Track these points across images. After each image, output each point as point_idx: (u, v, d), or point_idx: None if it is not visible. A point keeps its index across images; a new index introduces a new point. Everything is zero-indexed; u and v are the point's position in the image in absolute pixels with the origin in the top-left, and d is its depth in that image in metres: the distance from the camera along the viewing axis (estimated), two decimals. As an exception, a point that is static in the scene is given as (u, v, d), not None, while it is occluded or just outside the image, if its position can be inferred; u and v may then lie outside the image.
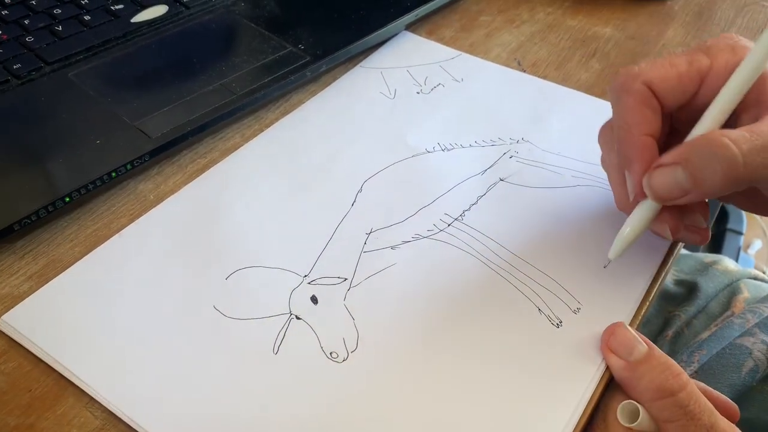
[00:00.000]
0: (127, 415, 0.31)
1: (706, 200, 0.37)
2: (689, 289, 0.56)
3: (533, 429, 0.31)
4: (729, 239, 1.11)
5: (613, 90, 0.36)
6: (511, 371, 0.34)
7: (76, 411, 0.32)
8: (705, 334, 0.51)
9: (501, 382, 0.33)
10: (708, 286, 0.55)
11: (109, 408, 0.32)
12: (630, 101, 0.35)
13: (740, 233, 1.13)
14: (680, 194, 0.32)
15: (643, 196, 0.35)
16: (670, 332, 0.53)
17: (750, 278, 0.56)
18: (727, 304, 0.53)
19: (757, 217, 1.46)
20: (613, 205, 0.40)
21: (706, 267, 0.57)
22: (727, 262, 0.58)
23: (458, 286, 0.37)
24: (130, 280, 0.37)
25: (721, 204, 0.99)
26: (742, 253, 1.20)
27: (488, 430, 0.31)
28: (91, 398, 0.32)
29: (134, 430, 0.31)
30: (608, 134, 0.38)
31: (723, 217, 1.14)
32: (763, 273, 0.58)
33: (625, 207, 0.37)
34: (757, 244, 1.46)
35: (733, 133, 0.31)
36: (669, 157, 0.33)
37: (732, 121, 0.34)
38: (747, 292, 0.54)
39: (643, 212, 0.36)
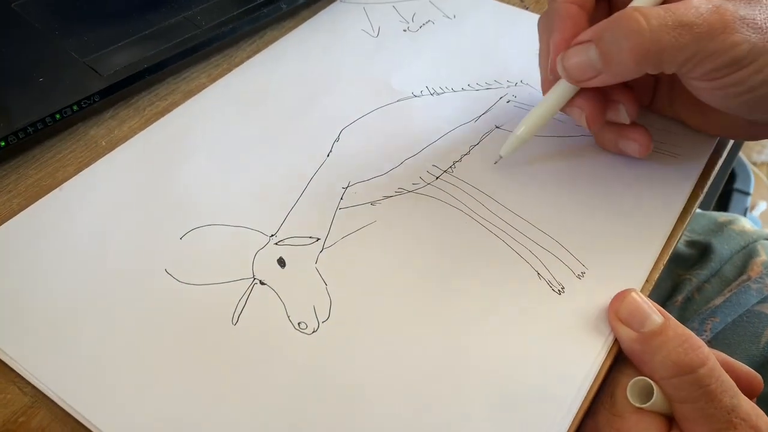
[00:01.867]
0: (57, 395, 0.27)
1: (630, 90, 0.35)
2: (702, 251, 0.51)
3: (532, 409, 0.27)
4: (736, 199, 1.07)
5: None
6: (507, 344, 0.29)
7: (2, 386, 0.28)
8: (718, 300, 0.46)
9: (494, 357, 0.29)
10: (722, 247, 0.50)
11: (37, 386, 0.27)
12: None
13: (748, 194, 1.08)
14: (592, 74, 0.31)
15: (557, 74, 0.33)
16: (679, 298, 0.49)
17: (767, 239, 0.51)
18: (743, 268, 0.49)
19: (764, 177, 1.41)
20: (620, 157, 0.36)
21: (720, 227, 0.53)
22: (743, 222, 0.53)
23: (447, 247, 0.33)
24: (71, 239, 0.32)
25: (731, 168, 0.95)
26: (749, 214, 1.15)
27: (482, 411, 0.27)
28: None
29: (67, 411, 0.27)
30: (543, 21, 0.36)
31: (731, 177, 1.10)
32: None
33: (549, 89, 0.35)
34: (762, 206, 1.42)
35: (649, 9, 0.29)
36: (585, 34, 0.31)
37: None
38: (765, 254, 0.49)
39: (556, 93, 0.34)
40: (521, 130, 0.35)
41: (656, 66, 0.30)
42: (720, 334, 0.43)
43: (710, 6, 0.29)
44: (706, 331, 0.44)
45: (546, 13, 0.35)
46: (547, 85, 0.35)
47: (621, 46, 0.29)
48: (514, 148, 0.35)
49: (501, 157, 0.36)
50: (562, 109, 0.34)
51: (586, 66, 0.31)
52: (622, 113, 0.34)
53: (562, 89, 0.34)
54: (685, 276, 0.51)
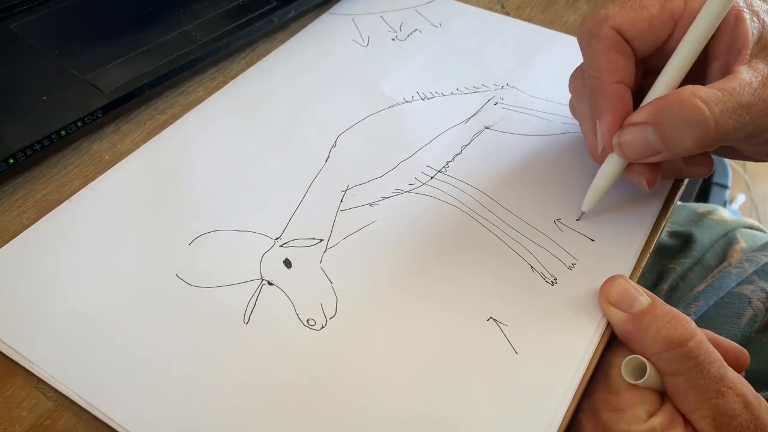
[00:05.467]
0: (80, 397, 0.28)
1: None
2: (684, 241, 0.54)
3: (532, 391, 0.29)
4: (715, 193, 1.09)
5: (581, 36, 0.34)
6: (506, 333, 0.31)
7: (26, 392, 0.29)
8: (701, 286, 0.48)
9: (495, 345, 0.30)
10: (703, 236, 0.53)
11: (60, 390, 0.29)
12: (599, 48, 0.33)
13: (726, 187, 1.11)
14: (650, 154, 0.31)
15: (611, 147, 0.33)
16: (665, 286, 0.51)
17: (746, 227, 0.54)
18: (724, 255, 0.51)
19: (741, 171, 1.45)
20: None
21: (700, 217, 0.55)
22: (722, 212, 0.55)
23: (444, 243, 0.34)
24: (83, 249, 0.34)
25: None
26: (728, 207, 1.18)
27: (483, 396, 0.29)
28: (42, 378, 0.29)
29: (91, 413, 0.28)
30: (579, 80, 0.36)
31: (708, 170, 1.12)
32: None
33: (598, 157, 0.35)
34: (741, 198, 1.45)
35: (705, 92, 0.29)
36: (639, 116, 0.31)
37: (703, 68, 0.33)
38: (743, 241, 0.51)
39: (614, 164, 0.34)
40: (585, 206, 0.35)
41: (716, 145, 0.31)
42: (704, 316, 0.45)
43: (760, 78, 0.30)
44: (690, 314, 0.46)
45: (579, 73, 0.35)
46: (594, 149, 0.35)
47: (684, 133, 0.30)
48: (595, 201, 0.35)
49: (583, 214, 0.36)
50: (628, 178, 0.35)
51: (643, 147, 0.31)
52: (679, 163, 0.35)
53: (616, 162, 0.34)
54: (669, 265, 0.53)
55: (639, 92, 0.34)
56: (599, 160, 0.35)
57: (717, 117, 0.29)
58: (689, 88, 0.30)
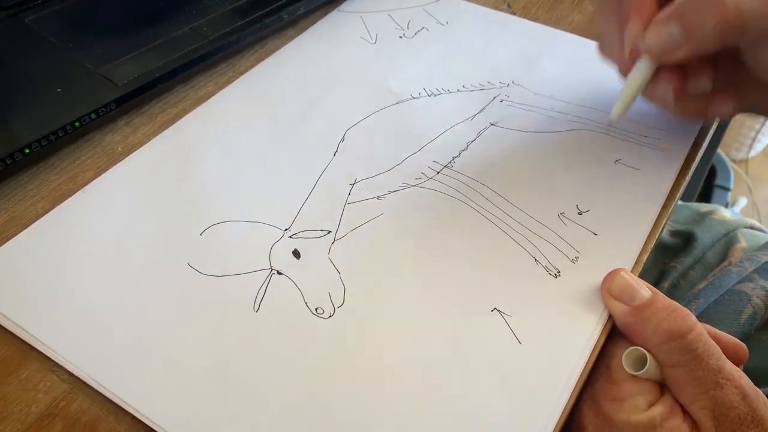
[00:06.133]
0: (95, 380, 0.29)
1: (707, 61, 0.36)
2: (685, 240, 0.54)
3: (536, 380, 0.30)
4: (717, 195, 1.10)
5: None
6: (510, 323, 0.31)
7: (41, 375, 0.30)
8: (702, 285, 0.49)
9: (499, 335, 0.31)
10: (704, 236, 0.53)
11: (74, 373, 0.29)
12: None
13: (728, 189, 1.12)
14: (673, 48, 0.33)
15: (638, 53, 0.34)
16: (666, 284, 0.52)
17: (747, 227, 0.54)
18: (724, 254, 0.52)
19: (743, 174, 1.45)
20: (608, 149, 0.38)
21: (702, 216, 0.56)
22: (723, 212, 0.56)
23: (449, 236, 0.35)
24: (97, 237, 0.34)
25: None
26: (730, 209, 1.19)
27: (487, 384, 0.29)
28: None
29: (104, 395, 0.29)
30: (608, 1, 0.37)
31: (711, 173, 1.13)
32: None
33: (626, 66, 0.36)
34: (742, 202, 1.45)
35: None
36: (663, 14, 0.33)
37: None
38: (744, 241, 0.52)
39: (641, 69, 0.35)
40: (615, 112, 0.36)
41: (738, 36, 0.31)
42: (704, 313, 0.46)
43: None
44: (690, 311, 0.47)
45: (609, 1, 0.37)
46: (623, 64, 0.37)
47: (705, 21, 0.31)
48: (625, 105, 0.36)
49: (614, 120, 0.37)
50: (648, 94, 0.36)
51: (666, 41, 0.33)
52: (705, 83, 0.36)
53: (644, 67, 0.35)
54: (670, 264, 0.53)
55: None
56: (626, 72, 0.36)
57: (737, 1, 0.30)
58: None
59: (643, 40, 0.34)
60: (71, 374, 0.30)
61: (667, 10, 0.33)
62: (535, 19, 0.50)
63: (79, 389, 0.29)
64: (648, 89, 0.36)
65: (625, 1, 0.35)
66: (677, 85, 0.35)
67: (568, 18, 0.51)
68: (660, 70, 0.35)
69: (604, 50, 0.39)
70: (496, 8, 0.51)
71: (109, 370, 0.29)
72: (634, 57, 0.35)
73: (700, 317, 0.46)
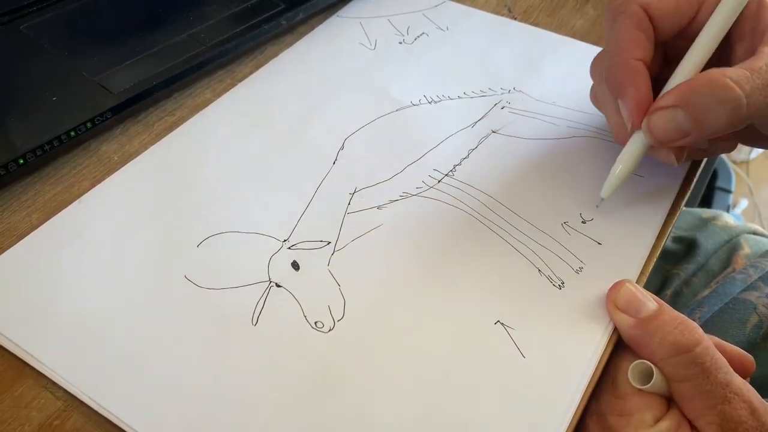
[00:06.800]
0: (90, 397, 0.28)
1: None
2: (688, 246, 0.54)
3: (540, 395, 0.29)
4: (718, 197, 1.09)
5: (609, 11, 0.35)
6: (513, 336, 0.31)
7: (35, 392, 0.29)
8: (705, 292, 0.49)
9: (502, 349, 0.30)
10: (707, 242, 0.53)
11: (69, 390, 0.29)
12: (625, 23, 0.34)
13: (729, 191, 1.11)
14: (681, 136, 0.32)
15: (639, 126, 0.33)
16: (668, 292, 0.51)
17: (750, 233, 0.54)
18: (728, 261, 0.51)
19: (744, 176, 1.45)
20: (612, 156, 0.37)
21: (705, 222, 0.55)
22: (726, 218, 0.55)
23: (451, 246, 0.35)
24: (92, 250, 0.34)
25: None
26: (731, 211, 1.18)
27: (490, 399, 0.29)
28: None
29: (99, 413, 0.28)
30: (601, 64, 0.37)
31: (712, 176, 1.12)
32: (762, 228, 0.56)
33: (624, 139, 0.35)
34: (743, 203, 1.45)
35: (733, 72, 0.30)
36: (668, 99, 0.32)
37: (727, 52, 0.34)
38: (747, 247, 0.52)
39: (635, 146, 0.34)
40: (605, 191, 0.36)
41: (747, 122, 0.31)
42: (708, 322, 0.45)
43: None
44: (695, 320, 0.46)
45: (605, 63, 0.35)
46: (619, 131, 0.35)
47: (717, 112, 0.30)
48: (615, 186, 0.35)
49: (603, 200, 0.36)
50: (656, 156, 0.35)
51: (674, 130, 0.32)
52: (705, 144, 0.36)
53: (641, 142, 0.34)
54: (672, 271, 0.53)
55: (656, 82, 0.34)
56: (624, 142, 0.35)
57: (748, 94, 0.30)
58: (717, 70, 0.31)
59: (647, 126, 0.33)
60: (66, 391, 0.29)
61: (672, 95, 0.31)
62: (536, 24, 0.50)
63: (74, 407, 0.29)
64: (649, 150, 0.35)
65: (615, 65, 0.34)
66: (679, 154, 0.34)
67: (570, 23, 0.50)
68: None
69: (599, 106, 0.38)
70: (497, 13, 0.51)
71: (105, 387, 0.29)
72: (635, 128, 0.34)
73: (705, 326, 0.45)
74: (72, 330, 0.30)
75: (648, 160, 0.39)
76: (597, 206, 0.37)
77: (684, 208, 0.61)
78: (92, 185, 0.37)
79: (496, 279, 0.33)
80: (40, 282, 0.32)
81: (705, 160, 0.40)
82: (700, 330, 0.29)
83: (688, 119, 0.31)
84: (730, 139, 0.36)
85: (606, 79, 0.35)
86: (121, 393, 0.28)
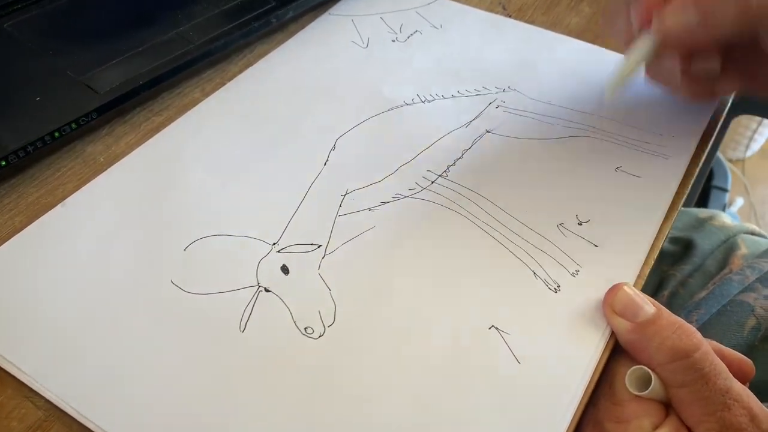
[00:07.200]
0: (72, 407, 0.27)
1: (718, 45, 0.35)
2: (684, 247, 0.53)
3: (536, 401, 0.28)
4: (715, 196, 1.09)
5: None
6: (508, 342, 0.30)
7: (15, 402, 0.28)
8: (702, 294, 0.48)
9: (497, 354, 0.30)
10: (704, 242, 0.52)
11: (50, 399, 0.28)
12: None
13: (726, 190, 1.10)
14: (688, 32, 0.32)
15: (649, 25, 0.34)
16: (665, 293, 0.50)
17: (747, 233, 0.53)
18: (725, 262, 0.51)
19: (740, 174, 1.45)
20: (609, 156, 0.37)
21: (701, 222, 0.55)
22: (723, 218, 0.55)
23: (445, 249, 0.34)
24: (77, 254, 0.33)
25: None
26: (727, 210, 1.18)
27: (485, 406, 0.28)
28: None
29: (82, 424, 0.27)
30: None
31: (709, 175, 1.12)
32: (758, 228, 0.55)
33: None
34: (739, 202, 1.45)
35: None
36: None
37: None
38: (745, 247, 0.51)
39: (644, 44, 0.34)
40: (609, 87, 0.35)
41: (756, 25, 0.31)
42: (705, 324, 0.45)
43: None
44: (692, 322, 0.45)
45: None
46: (629, 38, 0.36)
47: (726, 8, 0.31)
48: (621, 80, 0.36)
49: (609, 97, 0.36)
50: (653, 73, 0.36)
51: (684, 26, 0.32)
52: (713, 63, 0.35)
53: (649, 43, 0.34)
54: (669, 271, 0.52)
55: None
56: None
57: None
58: None
59: (658, 19, 0.33)
60: (47, 401, 0.28)
61: None
62: (531, 22, 0.49)
63: (56, 417, 0.28)
64: (653, 68, 0.35)
65: None
66: (685, 66, 0.34)
67: (565, 21, 0.49)
68: (666, 48, 0.34)
69: (610, 22, 0.38)
70: (491, 11, 0.50)
71: (88, 396, 0.28)
72: (643, 28, 0.34)
73: (702, 328, 0.45)
74: (54, 337, 0.30)
75: (647, 160, 0.38)
76: (605, 103, 0.37)
77: (681, 209, 0.60)
78: (77, 187, 0.37)
79: (491, 282, 0.32)
80: (23, 287, 0.31)
81: (703, 158, 0.40)
82: (699, 335, 0.28)
83: (697, 15, 0.31)
84: (735, 79, 0.36)
85: None
86: (104, 402, 0.28)
